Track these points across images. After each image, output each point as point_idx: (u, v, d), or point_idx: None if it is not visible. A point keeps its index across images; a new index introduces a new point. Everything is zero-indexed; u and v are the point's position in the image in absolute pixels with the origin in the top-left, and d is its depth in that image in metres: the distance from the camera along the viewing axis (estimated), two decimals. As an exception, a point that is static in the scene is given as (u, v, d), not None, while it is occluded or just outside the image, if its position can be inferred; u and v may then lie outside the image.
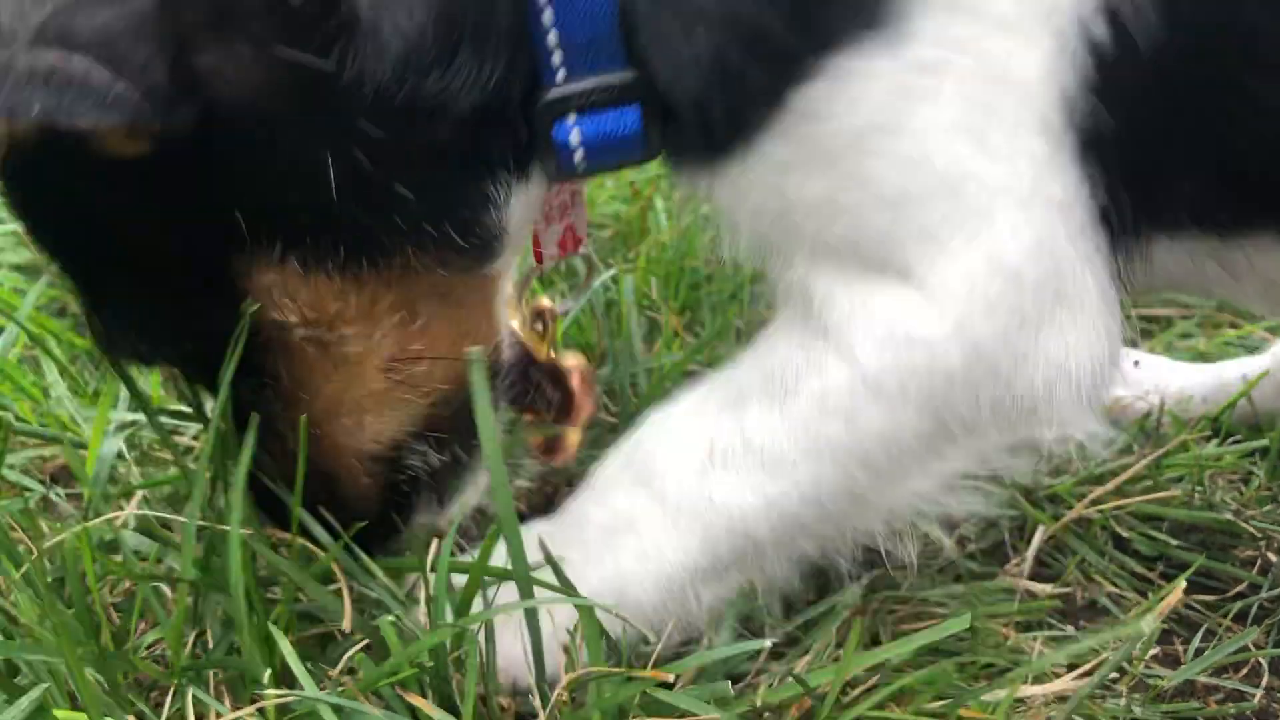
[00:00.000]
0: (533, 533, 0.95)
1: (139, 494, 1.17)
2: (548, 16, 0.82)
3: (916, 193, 0.85)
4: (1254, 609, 1.22)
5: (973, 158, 0.84)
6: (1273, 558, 1.28)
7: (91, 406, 1.28)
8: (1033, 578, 1.24)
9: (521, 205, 0.90)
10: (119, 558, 1.07)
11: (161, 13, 0.73)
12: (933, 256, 0.86)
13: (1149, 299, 1.69)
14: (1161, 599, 1.18)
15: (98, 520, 1.06)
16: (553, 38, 0.83)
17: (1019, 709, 1.05)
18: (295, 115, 0.80)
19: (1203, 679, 1.15)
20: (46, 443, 1.27)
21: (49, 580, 0.99)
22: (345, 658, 0.95)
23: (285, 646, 0.93)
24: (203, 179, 0.81)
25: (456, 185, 0.87)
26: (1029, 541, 1.29)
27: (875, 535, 0.97)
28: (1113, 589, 1.25)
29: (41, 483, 1.23)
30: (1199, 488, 1.33)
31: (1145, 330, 1.66)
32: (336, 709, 0.90)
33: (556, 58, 0.84)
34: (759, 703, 0.90)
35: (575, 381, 1.07)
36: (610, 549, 0.96)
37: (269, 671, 0.91)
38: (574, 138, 0.86)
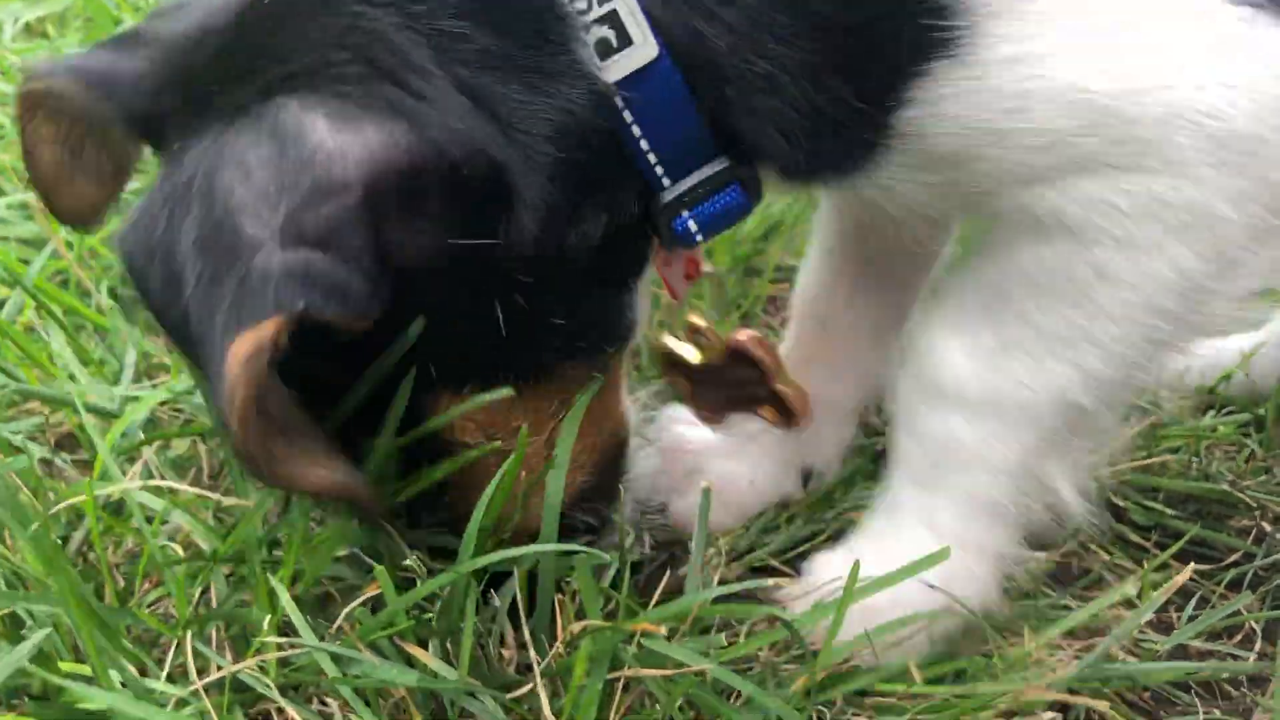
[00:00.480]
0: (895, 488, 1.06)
1: (145, 457, 1.19)
2: (644, 142, 0.94)
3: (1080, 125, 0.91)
4: (1248, 577, 1.23)
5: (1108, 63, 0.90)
6: (1267, 527, 1.29)
7: (98, 376, 1.30)
8: (1029, 546, 1.25)
9: (642, 293, 1.04)
10: (126, 522, 1.09)
11: (365, 203, 0.81)
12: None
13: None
14: (1155, 567, 1.19)
15: (112, 489, 1.08)
16: (651, 156, 0.95)
17: (1017, 674, 1.07)
18: (464, 274, 0.90)
19: (1198, 644, 1.16)
20: (52, 410, 1.29)
21: (55, 539, 1.00)
22: (345, 612, 0.96)
23: (285, 599, 0.94)
24: (394, 333, 0.89)
25: (597, 302, 0.99)
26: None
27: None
28: (1108, 558, 1.26)
29: (49, 449, 1.25)
30: (1195, 458, 1.34)
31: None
32: (335, 658, 0.91)
33: (659, 170, 0.96)
34: (741, 651, 0.91)
35: (756, 350, 1.16)
36: (950, 473, 1.03)
37: (268, 619, 0.92)
38: (691, 226, 0.98)
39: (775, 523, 1.25)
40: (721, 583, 1.10)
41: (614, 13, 0.90)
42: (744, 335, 1.17)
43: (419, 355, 0.92)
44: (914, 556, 1.00)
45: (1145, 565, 1.22)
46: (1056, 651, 1.11)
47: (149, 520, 1.08)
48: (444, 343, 0.93)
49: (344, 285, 0.80)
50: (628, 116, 0.93)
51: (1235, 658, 1.16)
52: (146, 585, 1.09)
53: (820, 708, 0.99)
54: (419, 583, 0.94)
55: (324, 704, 0.97)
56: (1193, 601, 1.21)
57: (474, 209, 0.88)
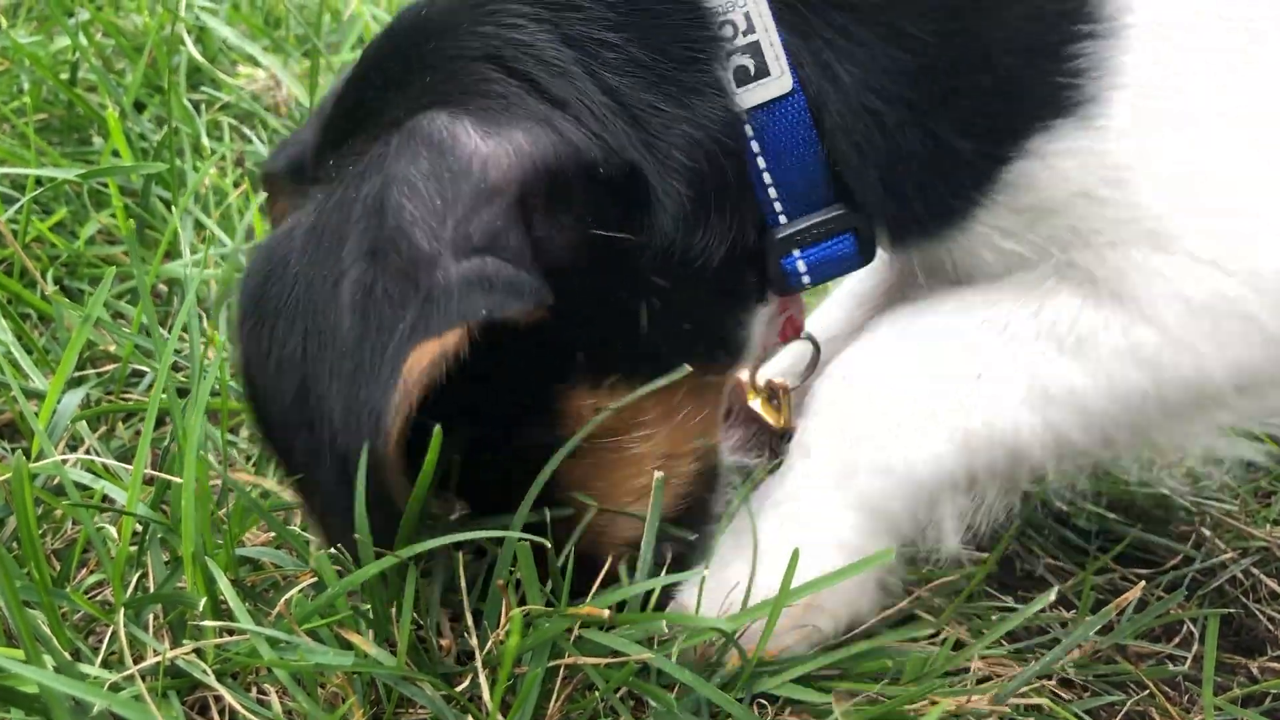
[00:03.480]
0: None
1: (88, 444, 1.17)
2: (767, 176, 0.98)
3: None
4: (1187, 580, 1.25)
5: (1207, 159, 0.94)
6: (1206, 531, 1.30)
7: (42, 365, 1.28)
8: (973, 548, 1.26)
9: (760, 319, 1.06)
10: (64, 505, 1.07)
11: (518, 202, 0.85)
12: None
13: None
14: (1096, 570, 1.21)
15: (44, 464, 1.06)
16: (773, 191, 0.98)
17: (958, 676, 1.07)
18: (606, 272, 0.93)
19: (1139, 645, 1.17)
20: (-5, 397, 1.27)
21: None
22: (285, 598, 0.95)
23: (223, 583, 0.93)
24: (548, 330, 0.89)
25: (718, 315, 1.02)
26: (970, 512, 1.31)
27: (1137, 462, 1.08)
28: (1051, 560, 1.27)
29: (-12, 436, 1.24)
30: (1136, 463, 1.35)
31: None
32: (273, 643, 0.90)
33: (778, 205, 0.99)
34: (681, 643, 0.91)
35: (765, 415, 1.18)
36: (859, 474, 1.01)
37: (204, 601, 0.91)
38: (800, 266, 1.01)
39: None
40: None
41: (756, 44, 0.94)
42: (757, 403, 1.19)
43: (567, 345, 0.94)
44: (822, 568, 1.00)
45: (1086, 567, 1.23)
46: (996, 650, 1.12)
47: (86, 507, 1.07)
48: (589, 333, 0.95)
49: (518, 282, 0.83)
50: (755, 146, 0.97)
51: (1173, 659, 1.17)
52: (84, 571, 1.08)
53: (761, 701, 0.99)
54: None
55: (262, 692, 0.96)
56: (1132, 604, 1.22)
57: (614, 206, 0.91)
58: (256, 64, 1.94)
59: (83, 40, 1.71)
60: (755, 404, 1.22)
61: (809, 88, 0.95)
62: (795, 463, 1.05)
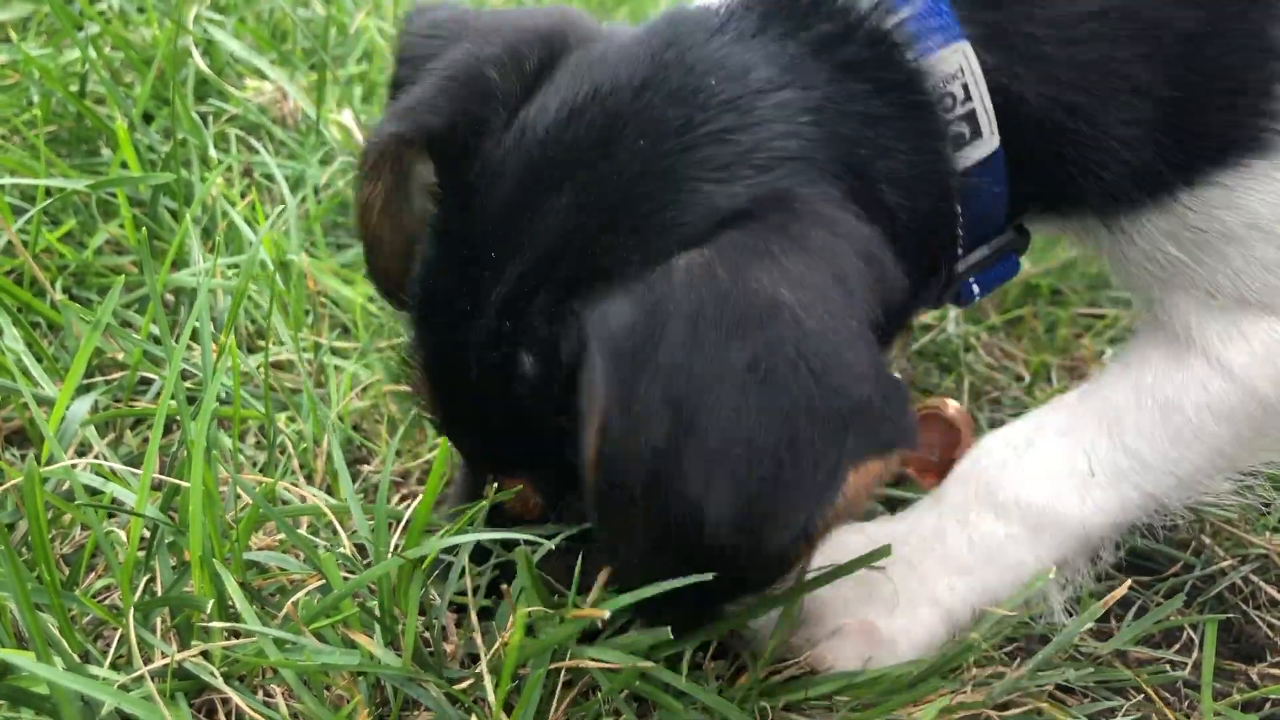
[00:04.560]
0: (877, 531, 1.12)
1: (97, 450, 1.18)
2: (961, 221, 1.04)
3: None
4: (1186, 586, 1.25)
5: None
6: (1206, 539, 1.31)
7: (51, 373, 1.29)
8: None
9: None
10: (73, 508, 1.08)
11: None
12: None
13: (1094, 295, 1.73)
14: (1096, 577, 1.21)
15: (54, 469, 1.07)
16: (961, 234, 1.05)
17: (957, 684, 1.08)
18: None
19: (1140, 652, 1.18)
20: (2, 404, 1.28)
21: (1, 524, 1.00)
22: (291, 600, 0.96)
23: (231, 585, 0.94)
24: None
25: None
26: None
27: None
28: (1050, 567, 1.28)
29: (-2, 443, 1.25)
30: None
31: (1088, 325, 1.70)
32: (280, 644, 0.91)
33: (961, 246, 1.06)
34: (679, 648, 0.92)
35: (960, 420, 1.30)
36: (977, 567, 1.10)
37: (212, 603, 0.92)
38: (975, 289, 1.12)
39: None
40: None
41: (972, 112, 0.99)
42: (954, 408, 1.29)
43: None
44: (915, 633, 1.08)
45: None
46: (994, 657, 1.13)
47: (94, 510, 1.08)
48: None
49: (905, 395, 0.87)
50: (957, 206, 1.01)
51: (1173, 665, 1.18)
52: (93, 575, 1.09)
53: (763, 703, 1.00)
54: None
55: (268, 693, 0.97)
56: (1132, 610, 1.23)
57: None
58: (263, 76, 1.95)
59: (92, 53, 1.72)
60: None
61: (1017, 131, 1.00)
62: (926, 512, 1.15)
